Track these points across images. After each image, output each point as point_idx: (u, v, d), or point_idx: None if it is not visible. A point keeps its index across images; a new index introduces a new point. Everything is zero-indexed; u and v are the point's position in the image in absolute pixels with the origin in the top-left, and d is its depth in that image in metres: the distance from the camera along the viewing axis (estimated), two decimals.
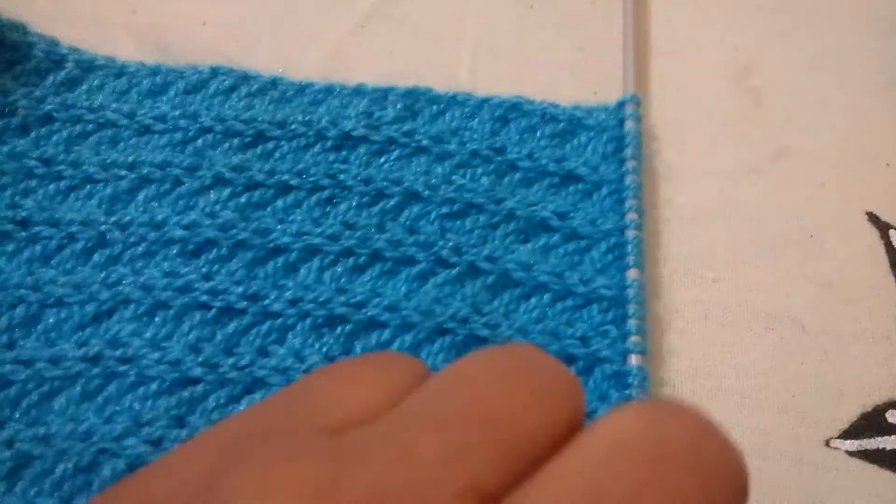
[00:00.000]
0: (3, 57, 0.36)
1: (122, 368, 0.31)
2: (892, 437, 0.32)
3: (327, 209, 0.35)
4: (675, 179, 0.37)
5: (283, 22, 0.40)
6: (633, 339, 0.32)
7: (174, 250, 0.33)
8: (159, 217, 0.34)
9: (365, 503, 0.15)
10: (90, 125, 0.36)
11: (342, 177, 0.35)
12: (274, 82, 0.37)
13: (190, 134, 0.36)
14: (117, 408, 0.31)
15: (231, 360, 0.31)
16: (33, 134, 0.35)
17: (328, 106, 0.37)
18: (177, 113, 0.36)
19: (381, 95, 0.37)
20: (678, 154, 0.38)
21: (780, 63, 0.40)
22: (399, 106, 0.37)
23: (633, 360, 0.32)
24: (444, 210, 0.35)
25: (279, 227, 0.34)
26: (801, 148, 0.38)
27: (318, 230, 0.34)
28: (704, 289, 0.35)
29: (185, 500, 0.15)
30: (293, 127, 0.36)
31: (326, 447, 0.16)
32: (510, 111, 0.37)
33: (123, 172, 0.35)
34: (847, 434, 0.32)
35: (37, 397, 0.31)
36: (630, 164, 0.35)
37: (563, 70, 0.40)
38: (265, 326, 0.32)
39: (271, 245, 0.34)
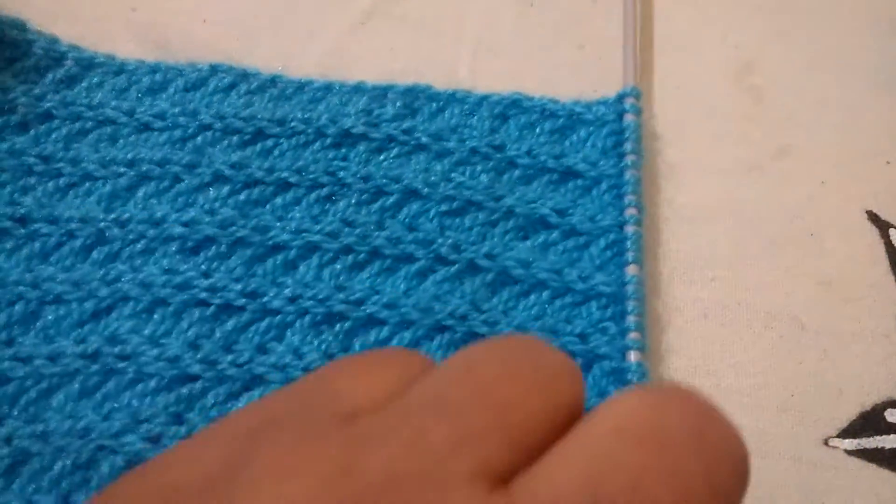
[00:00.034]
0: (3, 54, 0.36)
1: (120, 365, 0.31)
2: (892, 436, 0.32)
3: (326, 206, 0.35)
4: (675, 178, 0.37)
5: (283, 19, 0.40)
6: (633, 335, 0.32)
7: (173, 247, 0.33)
8: (158, 214, 0.34)
9: (380, 485, 0.15)
10: (89, 122, 0.36)
11: (341, 174, 0.35)
12: (273, 80, 0.37)
13: (189, 131, 0.36)
14: (116, 405, 0.31)
15: (230, 358, 0.31)
16: (32, 131, 0.35)
17: (328, 103, 0.37)
18: (176, 110, 0.36)
19: (381, 93, 0.37)
20: (678, 152, 0.38)
21: (780, 62, 0.40)
22: (398, 103, 0.37)
23: (632, 356, 0.32)
24: (444, 207, 0.35)
25: (278, 224, 0.34)
26: (802, 146, 0.38)
27: (318, 227, 0.34)
28: (704, 287, 0.35)
29: (210, 483, 0.16)
30: (293, 124, 0.36)
31: (343, 432, 0.16)
32: (509, 108, 0.37)
33: (123, 170, 0.35)
34: (846, 433, 0.32)
35: (35, 394, 0.31)
36: (629, 159, 0.35)
37: (564, 68, 0.40)
38: (264, 324, 0.32)
39: (270, 242, 0.33)
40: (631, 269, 0.33)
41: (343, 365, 0.20)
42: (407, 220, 0.35)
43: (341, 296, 0.32)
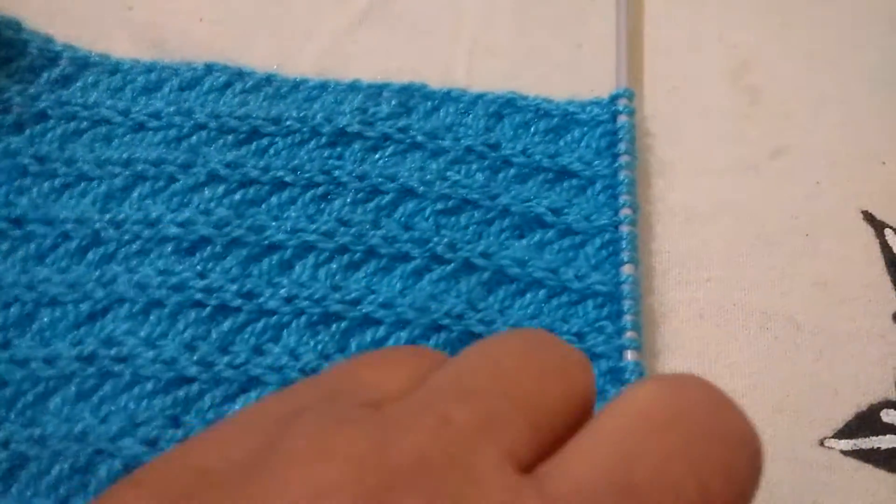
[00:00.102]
0: None
1: (116, 368, 0.31)
2: (887, 436, 0.32)
3: (322, 206, 0.35)
4: (671, 177, 0.37)
5: (280, 18, 0.40)
6: (629, 334, 0.32)
7: (168, 248, 0.33)
8: (154, 214, 0.33)
9: (409, 468, 0.15)
10: (84, 122, 0.36)
11: (337, 173, 0.35)
12: (268, 79, 0.37)
13: (184, 131, 0.36)
14: (112, 408, 0.31)
15: (226, 359, 0.31)
16: (27, 131, 0.35)
17: (323, 102, 0.37)
18: (171, 110, 0.36)
19: (376, 92, 0.37)
20: (674, 151, 0.38)
21: (777, 61, 0.40)
22: (394, 102, 0.37)
23: (629, 355, 0.32)
24: (439, 206, 0.35)
25: (274, 223, 0.34)
26: (798, 146, 0.38)
27: (313, 227, 0.34)
28: (699, 287, 0.35)
29: (240, 467, 0.16)
30: (288, 123, 0.36)
31: (370, 418, 0.16)
32: (504, 107, 0.37)
33: (118, 170, 0.34)
34: (842, 433, 0.32)
35: (32, 398, 0.31)
36: (624, 159, 0.35)
37: (561, 67, 0.40)
38: (260, 324, 0.32)
39: (266, 242, 0.33)
40: (627, 269, 0.33)
41: (364, 359, 0.20)
42: (402, 219, 0.35)
43: (337, 296, 0.32)
